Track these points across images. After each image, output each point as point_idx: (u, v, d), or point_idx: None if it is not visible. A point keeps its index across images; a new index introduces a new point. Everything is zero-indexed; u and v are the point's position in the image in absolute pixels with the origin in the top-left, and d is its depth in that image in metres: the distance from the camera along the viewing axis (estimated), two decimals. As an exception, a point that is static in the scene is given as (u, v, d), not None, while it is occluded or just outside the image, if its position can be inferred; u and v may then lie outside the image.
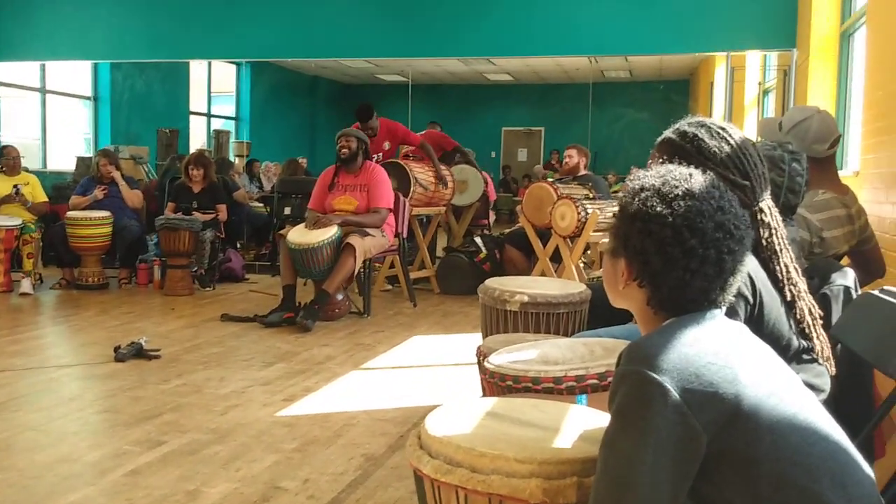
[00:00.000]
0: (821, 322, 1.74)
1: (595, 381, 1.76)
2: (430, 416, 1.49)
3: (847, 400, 2.04)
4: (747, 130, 8.23)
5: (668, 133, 1.81)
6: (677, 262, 1.25)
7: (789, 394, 1.20)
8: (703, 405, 1.12)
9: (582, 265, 6.58)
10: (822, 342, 1.72)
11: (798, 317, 1.70)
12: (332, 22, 7.99)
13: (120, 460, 2.94)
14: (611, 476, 1.14)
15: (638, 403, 1.13)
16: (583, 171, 6.90)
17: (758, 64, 8.71)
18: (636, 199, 1.31)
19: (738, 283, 1.31)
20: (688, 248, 1.25)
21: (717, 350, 1.18)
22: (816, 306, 1.73)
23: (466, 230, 8.24)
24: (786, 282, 1.69)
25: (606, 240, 1.42)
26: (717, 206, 1.29)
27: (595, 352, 1.90)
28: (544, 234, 6.25)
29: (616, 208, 1.38)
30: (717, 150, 1.73)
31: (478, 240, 7.30)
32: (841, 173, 4.85)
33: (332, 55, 9.01)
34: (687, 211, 1.26)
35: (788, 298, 1.68)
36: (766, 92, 8.68)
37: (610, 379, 1.76)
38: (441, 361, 4.66)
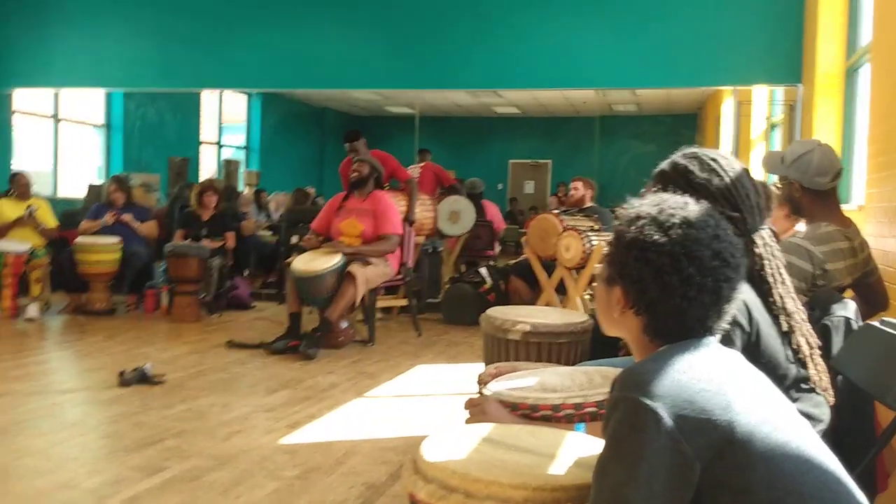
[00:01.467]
0: (819, 352, 1.74)
1: (593, 410, 1.76)
2: (426, 442, 1.49)
3: (848, 431, 2.03)
4: (754, 164, 8.25)
5: (662, 164, 1.83)
6: (675, 290, 1.26)
7: (783, 422, 1.20)
8: (696, 432, 1.12)
9: (588, 297, 6.58)
10: (819, 372, 1.72)
11: (795, 346, 1.70)
12: (340, 53, 8.08)
13: (119, 486, 2.93)
14: (604, 502, 1.14)
15: (631, 430, 1.13)
16: (588, 203, 6.93)
17: (765, 99, 8.75)
18: (632, 227, 1.32)
19: (733, 310, 1.31)
20: (685, 277, 1.26)
21: (711, 377, 1.18)
22: (814, 336, 1.74)
23: (471, 261, 8.28)
24: (781, 311, 1.69)
25: (597, 284, 1.43)
26: (714, 233, 1.30)
27: (594, 380, 1.91)
28: (549, 265, 6.26)
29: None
30: (706, 182, 1.74)
31: (483, 270, 7.32)
32: (846, 207, 4.87)
33: (341, 86, 9.10)
34: (684, 239, 1.27)
35: (784, 328, 1.69)
36: (773, 126, 8.72)
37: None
38: (445, 390, 4.65)
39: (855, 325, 2.16)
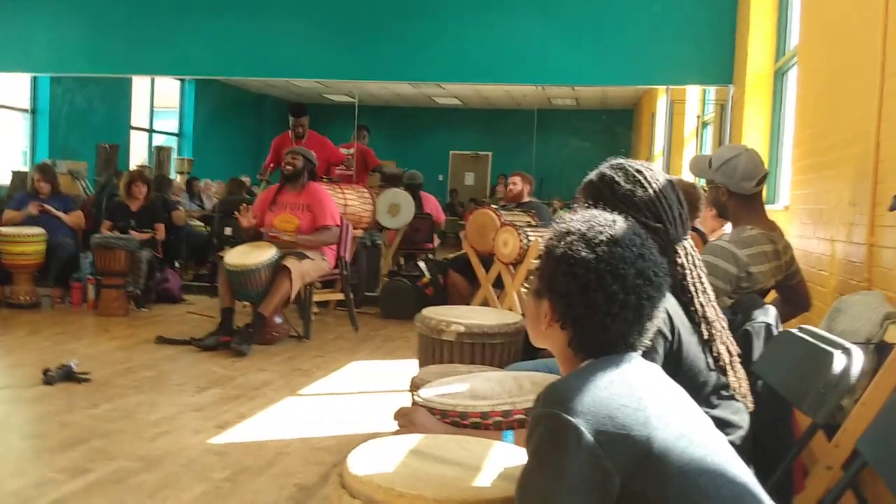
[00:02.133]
0: (739, 359, 1.79)
1: (522, 417, 1.78)
2: (353, 454, 1.48)
3: (768, 435, 2.09)
4: (685, 161, 8.43)
5: (591, 175, 1.86)
6: (599, 306, 1.29)
7: (700, 436, 1.23)
8: (616, 447, 1.14)
9: (525, 291, 6.64)
10: (738, 379, 1.77)
11: (715, 354, 1.74)
12: (280, 41, 7.95)
13: (43, 489, 2.85)
14: None
15: (553, 445, 1.15)
16: (526, 199, 6.98)
17: (697, 97, 8.94)
18: (562, 243, 1.34)
19: (655, 327, 1.34)
20: (609, 294, 1.29)
21: (631, 393, 1.21)
22: (734, 343, 1.78)
23: (410, 254, 8.26)
24: (702, 320, 1.73)
25: (527, 296, 1.45)
26: (639, 252, 1.33)
27: (524, 386, 1.92)
28: (487, 260, 6.30)
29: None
30: (630, 193, 1.78)
31: (421, 264, 7.31)
32: (772, 208, 5.02)
33: (280, 75, 8.95)
34: (610, 256, 1.31)
35: (705, 337, 1.73)
36: (705, 125, 8.91)
37: (537, 414, 1.78)
38: (380, 388, 4.64)
39: (775, 331, 2.23)
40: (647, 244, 1.36)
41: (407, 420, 1.81)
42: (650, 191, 1.77)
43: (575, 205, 1.79)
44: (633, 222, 1.38)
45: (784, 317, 3.23)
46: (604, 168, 1.85)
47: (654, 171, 1.83)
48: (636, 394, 1.21)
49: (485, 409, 1.79)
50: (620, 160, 1.85)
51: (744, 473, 1.24)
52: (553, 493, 1.13)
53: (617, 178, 1.80)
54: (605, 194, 1.79)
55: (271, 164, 7.11)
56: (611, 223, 1.36)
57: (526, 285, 6.89)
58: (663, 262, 1.36)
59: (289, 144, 6.96)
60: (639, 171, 1.80)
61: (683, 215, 1.80)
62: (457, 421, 1.79)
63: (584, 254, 1.31)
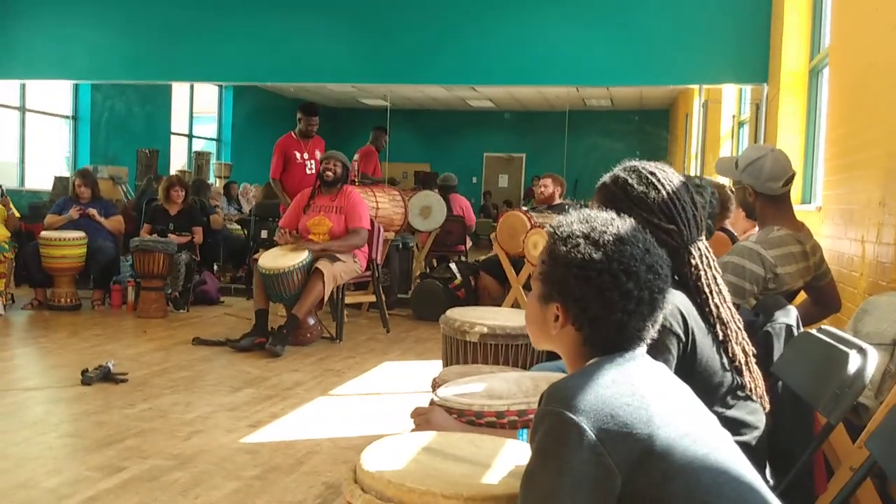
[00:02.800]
0: (755, 360, 1.79)
1: (536, 416, 1.79)
2: (367, 450, 1.52)
3: (789, 437, 2.08)
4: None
5: (605, 177, 1.87)
6: (616, 305, 1.31)
7: (703, 435, 1.24)
8: (617, 444, 1.16)
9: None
10: (754, 379, 1.77)
11: (731, 355, 1.75)
12: (315, 47, 8.06)
13: (78, 487, 2.93)
14: None
15: (556, 443, 1.17)
16: (558, 200, 6.99)
17: (733, 97, 8.85)
18: (567, 246, 1.35)
19: (663, 317, 1.38)
20: (625, 292, 1.31)
21: (634, 391, 1.23)
22: (750, 343, 1.78)
23: (442, 256, 8.30)
24: (717, 321, 1.74)
25: (528, 299, 1.46)
26: (645, 248, 1.36)
27: (540, 386, 1.94)
28: (518, 262, 6.32)
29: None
30: (643, 194, 1.79)
31: (453, 266, 7.35)
32: (806, 208, 4.96)
33: (315, 80, 9.07)
34: (621, 255, 1.32)
35: (720, 338, 1.73)
36: (741, 124, 8.82)
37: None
38: (410, 388, 4.67)
39: (796, 332, 2.22)
40: (649, 238, 1.39)
41: (423, 419, 1.85)
42: (663, 192, 1.78)
43: (591, 204, 1.81)
44: (630, 219, 1.40)
45: (814, 318, 3.21)
46: (617, 170, 1.86)
47: (668, 173, 1.84)
48: (638, 392, 1.23)
49: (500, 409, 1.81)
50: (634, 162, 1.86)
51: (748, 472, 1.25)
52: (556, 490, 1.15)
53: (630, 181, 1.81)
54: (619, 196, 1.80)
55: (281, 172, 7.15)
56: (609, 221, 1.38)
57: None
58: (663, 252, 1.38)
59: (294, 145, 7.03)
60: (652, 174, 1.81)
61: (698, 216, 1.81)
62: (473, 420, 1.82)
63: (595, 255, 1.32)
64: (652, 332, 1.36)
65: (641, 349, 1.35)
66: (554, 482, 1.16)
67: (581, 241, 1.35)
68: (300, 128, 7.10)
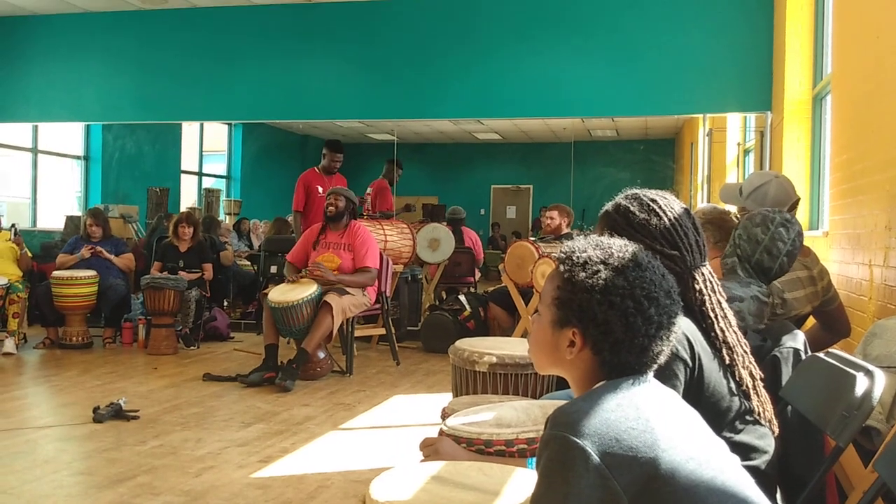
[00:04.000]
0: (762, 383, 1.79)
1: (545, 444, 1.80)
2: (376, 480, 1.53)
3: (799, 460, 2.07)
4: (728, 189, 8.34)
5: (607, 206, 1.89)
6: (639, 329, 1.32)
7: (709, 458, 1.24)
8: (622, 468, 1.17)
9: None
10: (762, 403, 1.77)
11: (738, 379, 1.75)
12: (322, 84, 8.16)
13: (90, 524, 2.94)
14: None
15: (561, 467, 1.18)
16: (566, 230, 7.01)
17: (738, 125, 8.89)
18: (586, 272, 1.36)
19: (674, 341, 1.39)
20: (647, 317, 1.33)
21: (639, 415, 1.23)
22: (757, 367, 1.79)
23: (451, 288, 8.31)
24: (722, 345, 1.74)
25: (535, 324, 1.46)
26: (661, 273, 1.38)
27: (549, 414, 1.94)
28: (527, 292, 6.32)
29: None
30: (645, 221, 1.81)
31: (462, 298, 7.36)
32: (813, 233, 4.97)
33: (323, 116, 9.16)
34: (642, 281, 1.34)
35: (727, 362, 1.74)
36: (746, 152, 8.85)
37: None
38: (421, 421, 4.66)
39: (804, 356, 2.22)
40: (660, 263, 1.41)
41: (432, 450, 1.85)
42: (665, 219, 1.80)
43: (595, 232, 1.83)
44: (636, 245, 1.42)
45: (824, 343, 3.20)
46: (619, 198, 1.88)
47: (669, 200, 1.86)
48: (643, 416, 1.23)
49: (509, 437, 1.82)
50: (636, 190, 1.89)
51: (756, 496, 1.25)
52: None
53: (632, 208, 1.83)
54: (621, 224, 1.82)
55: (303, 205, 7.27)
56: (624, 247, 1.39)
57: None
58: (673, 277, 1.40)
59: (317, 180, 7.12)
60: (653, 201, 1.83)
61: (700, 242, 1.82)
62: (482, 449, 1.82)
63: (618, 281, 1.34)
64: (664, 356, 1.37)
65: (649, 374, 1.36)
66: None
67: (601, 266, 1.35)
68: (324, 163, 7.25)
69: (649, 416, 1.24)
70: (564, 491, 1.16)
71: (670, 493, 1.18)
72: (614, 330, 1.32)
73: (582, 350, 1.36)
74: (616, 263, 1.36)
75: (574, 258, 1.39)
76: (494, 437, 1.82)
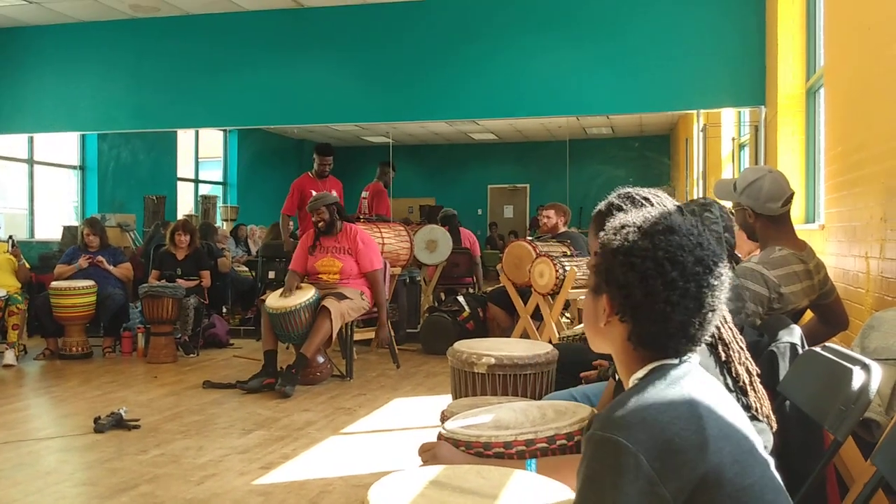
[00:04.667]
0: (759, 379, 1.79)
1: (544, 445, 1.80)
2: (375, 486, 1.53)
3: (798, 455, 2.08)
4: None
5: (600, 205, 1.89)
6: (658, 294, 1.28)
7: (752, 462, 1.22)
8: (671, 474, 1.14)
9: (566, 321, 6.64)
10: (759, 399, 1.76)
11: (734, 375, 1.75)
12: (317, 88, 8.17)
13: (92, 534, 2.93)
14: None
15: (610, 471, 1.15)
16: (562, 229, 7.00)
17: (732, 120, 8.90)
18: (617, 235, 1.35)
19: (716, 321, 1.33)
20: (669, 281, 1.27)
21: (690, 416, 1.20)
22: (753, 363, 1.79)
23: (450, 289, 8.31)
24: (718, 342, 1.74)
25: (584, 297, 1.45)
26: (697, 241, 1.32)
27: (547, 415, 1.95)
28: (525, 291, 6.32)
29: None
30: None
31: (461, 299, 7.36)
32: (809, 227, 4.97)
33: (318, 121, 9.17)
34: (668, 244, 1.30)
35: (723, 359, 1.74)
36: (741, 147, 8.86)
37: (559, 442, 1.81)
38: (422, 424, 4.66)
39: (800, 351, 2.22)
40: (705, 235, 1.35)
41: (430, 455, 1.85)
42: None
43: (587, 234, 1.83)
44: (689, 216, 1.38)
45: (822, 337, 3.20)
46: (612, 198, 1.88)
47: (662, 198, 1.86)
48: (695, 415, 1.20)
49: (508, 439, 1.82)
50: (628, 189, 1.89)
51: (787, 500, 1.25)
52: None
53: (624, 207, 1.83)
54: None
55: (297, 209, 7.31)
56: (667, 215, 1.36)
57: (567, 315, 6.90)
58: (722, 254, 1.34)
59: (310, 185, 7.14)
60: (646, 199, 1.83)
61: None
62: (480, 451, 1.82)
63: (641, 243, 1.31)
64: (702, 334, 1.32)
65: (693, 358, 1.33)
66: None
67: (631, 229, 1.33)
68: (315, 168, 7.27)
69: (701, 415, 1.20)
70: (613, 497, 1.13)
71: (714, 499, 1.16)
72: (634, 293, 1.29)
73: (611, 317, 1.34)
74: (647, 227, 1.32)
75: (613, 225, 1.38)
76: (493, 440, 1.82)
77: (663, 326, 1.29)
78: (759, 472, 1.22)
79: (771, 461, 1.29)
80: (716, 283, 1.30)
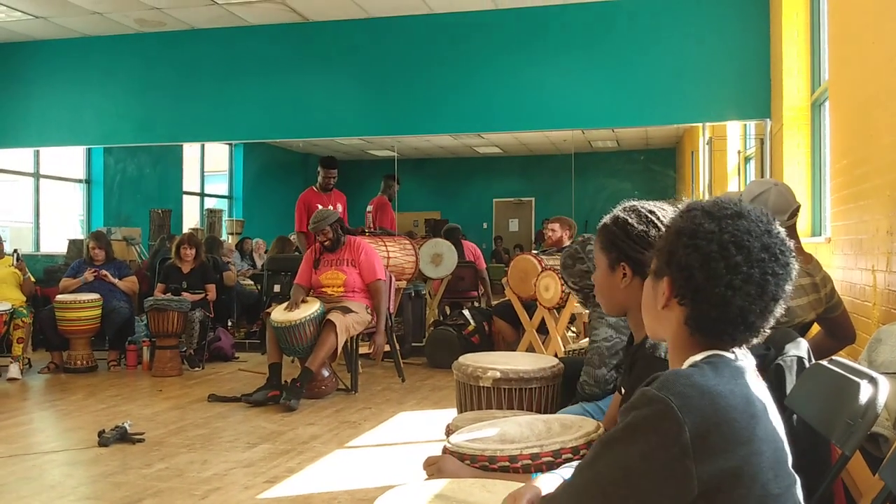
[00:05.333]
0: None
1: (550, 459, 1.79)
2: (379, 500, 1.52)
3: (806, 470, 2.06)
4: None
5: (605, 219, 1.89)
6: (721, 277, 1.25)
7: (784, 473, 1.22)
8: (708, 457, 1.13)
9: (572, 335, 6.62)
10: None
11: None
12: (322, 102, 8.20)
13: (96, 549, 2.92)
14: (595, 472, 1.20)
15: (652, 429, 1.15)
16: (567, 243, 6.99)
17: (738, 133, 8.91)
18: (683, 218, 1.33)
19: (779, 313, 1.30)
20: (732, 264, 1.25)
21: (746, 408, 1.19)
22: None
23: (455, 302, 8.31)
24: None
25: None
26: (765, 228, 1.29)
27: (552, 429, 1.94)
28: (531, 305, 6.31)
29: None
30: (643, 233, 1.81)
31: (466, 312, 7.35)
32: (815, 240, 4.96)
33: (323, 135, 9.18)
34: (735, 228, 1.27)
35: None
36: (747, 160, 8.85)
37: (565, 456, 1.80)
38: (427, 437, 4.65)
39: (807, 364, 2.21)
40: (775, 225, 1.32)
41: (435, 468, 1.84)
42: (663, 230, 1.80)
43: (589, 247, 1.82)
44: (760, 207, 1.36)
45: (830, 350, 3.18)
46: (617, 211, 1.88)
47: (667, 211, 1.85)
48: (749, 412, 1.19)
49: (513, 453, 1.81)
50: (633, 202, 1.88)
51: None
52: (630, 469, 1.15)
53: (630, 220, 1.83)
54: (620, 236, 1.82)
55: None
56: (737, 202, 1.33)
57: (573, 329, 6.88)
58: (791, 245, 1.31)
59: (316, 199, 7.15)
60: (651, 212, 1.83)
61: None
62: (486, 465, 1.81)
63: (707, 225, 1.28)
64: (762, 324, 1.28)
65: (749, 358, 1.31)
66: (631, 460, 1.15)
67: (699, 212, 1.31)
68: (319, 181, 7.29)
69: (754, 414, 1.19)
70: (643, 449, 1.14)
71: (742, 498, 1.15)
72: (695, 275, 1.27)
73: (670, 300, 1.32)
74: (715, 211, 1.30)
75: (683, 208, 1.37)
76: (498, 453, 1.81)
77: (723, 311, 1.26)
78: (787, 485, 1.22)
79: (797, 480, 1.27)
80: (781, 272, 1.27)
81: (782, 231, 1.32)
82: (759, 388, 1.27)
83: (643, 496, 1.15)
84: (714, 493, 1.14)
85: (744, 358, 1.30)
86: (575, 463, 1.51)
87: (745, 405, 1.19)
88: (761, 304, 1.26)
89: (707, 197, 7.94)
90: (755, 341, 1.30)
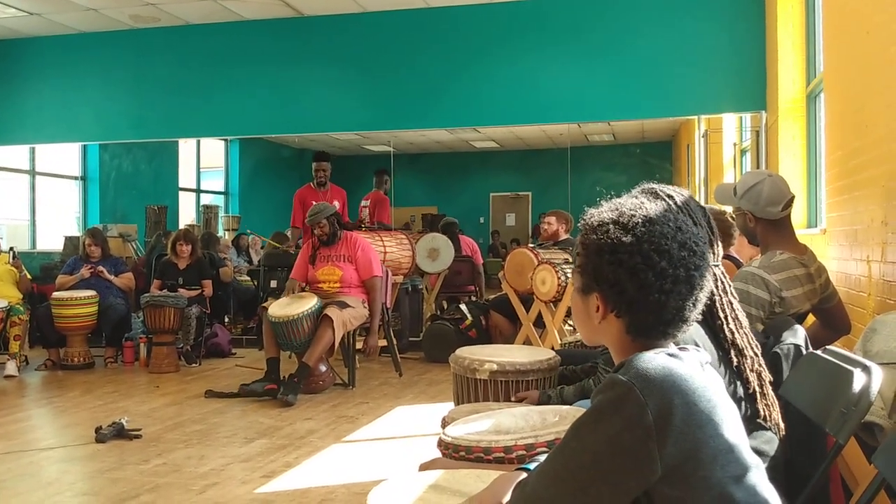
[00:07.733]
0: (770, 386, 1.77)
1: (544, 450, 1.79)
2: (374, 491, 1.52)
3: (802, 458, 2.07)
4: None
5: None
6: (651, 285, 1.30)
7: (744, 454, 1.24)
8: (670, 438, 1.16)
9: (569, 329, 6.62)
10: (768, 406, 1.75)
11: (745, 382, 1.74)
12: (318, 97, 8.19)
13: (93, 544, 2.92)
14: (564, 457, 1.23)
15: (614, 412, 1.19)
16: (564, 236, 7.00)
17: (734, 125, 8.91)
18: (597, 234, 1.36)
19: (706, 297, 1.35)
20: (659, 271, 1.30)
21: (704, 392, 1.22)
22: (766, 370, 1.77)
23: (452, 297, 8.30)
24: (731, 347, 1.73)
25: (571, 298, 1.46)
26: (676, 226, 1.34)
27: (547, 419, 1.94)
28: (527, 299, 6.31)
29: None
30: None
31: (463, 307, 7.35)
32: (810, 231, 4.96)
33: (319, 130, 9.16)
34: (650, 235, 1.31)
35: (735, 364, 1.73)
36: (743, 152, 8.85)
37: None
38: (424, 431, 4.65)
39: (804, 352, 2.21)
40: (681, 218, 1.37)
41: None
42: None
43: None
44: (661, 202, 1.38)
45: (825, 341, 3.18)
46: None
47: (679, 195, 1.85)
48: (708, 395, 1.22)
49: (508, 444, 1.81)
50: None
51: (774, 498, 1.25)
52: (593, 450, 1.19)
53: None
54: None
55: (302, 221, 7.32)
56: (639, 205, 1.37)
57: (569, 322, 6.88)
58: (700, 231, 1.37)
59: (312, 195, 7.15)
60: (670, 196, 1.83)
61: (712, 241, 1.81)
62: (481, 456, 1.82)
63: (624, 238, 1.32)
64: (694, 314, 1.34)
65: (703, 354, 1.35)
66: (598, 444, 1.18)
67: (610, 226, 1.34)
68: (313, 174, 7.31)
69: (711, 396, 1.22)
70: (608, 433, 1.18)
71: (704, 479, 1.18)
72: (627, 289, 1.31)
73: (606, 315, 1.35)
74: (625, 221, 1.34)
75: (590, 222, 1.39)
76: (493, 445, 1.82)
77: (661, 314, 1.31)
78: (748, 468, 1.24)
79: (761, 464, 1.30)
80: (701, 262, 1.33)
81: (687, 220, 1.38)
82: (718, 378, 1.32)
83: (610, 478, 1.18)
84: (675, 474, 1.17)
85: (695, 351, 1.34)
86: None
87: (703, 389, 1.23)
88: (692, 297, 1.33)
89: (704, 189, 7.95)
90: (688, 328, 1.36)
